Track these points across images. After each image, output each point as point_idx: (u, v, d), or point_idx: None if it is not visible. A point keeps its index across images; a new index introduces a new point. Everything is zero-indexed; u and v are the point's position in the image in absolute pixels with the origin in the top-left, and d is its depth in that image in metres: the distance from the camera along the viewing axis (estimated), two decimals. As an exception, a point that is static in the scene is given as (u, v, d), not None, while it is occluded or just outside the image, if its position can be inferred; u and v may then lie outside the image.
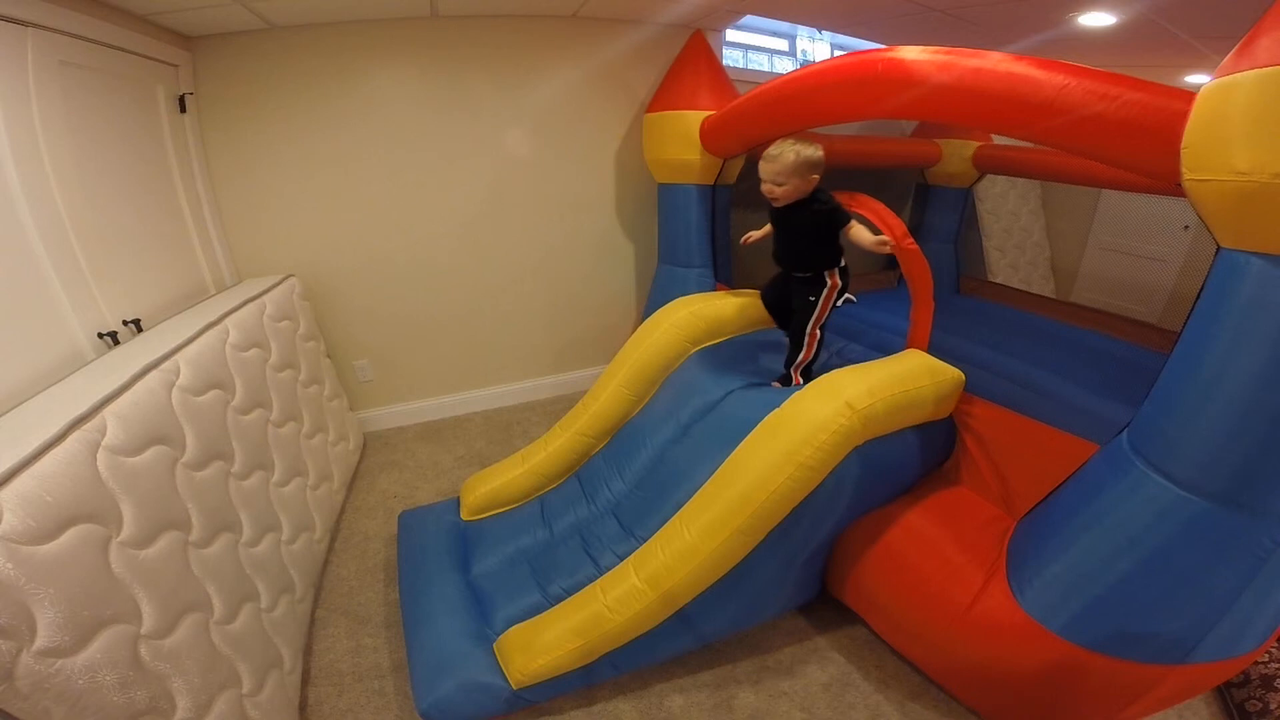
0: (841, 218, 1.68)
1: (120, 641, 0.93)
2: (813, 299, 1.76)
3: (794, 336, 1.79)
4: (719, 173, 2.52)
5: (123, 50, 1.76)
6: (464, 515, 1.95)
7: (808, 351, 1.77)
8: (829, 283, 1.76)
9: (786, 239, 1.81)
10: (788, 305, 1.88)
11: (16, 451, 0.91)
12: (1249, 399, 0.94)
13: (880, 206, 1.83)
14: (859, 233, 1.67)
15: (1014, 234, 3.96)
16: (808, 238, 1.74)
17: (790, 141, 1.63)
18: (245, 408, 1.60)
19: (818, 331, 1.75)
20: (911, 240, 1.71)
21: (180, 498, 1.21)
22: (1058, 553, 1.19)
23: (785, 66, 3.44)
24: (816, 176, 1.65)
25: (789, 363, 1.83)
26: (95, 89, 1.67)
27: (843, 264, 1.77)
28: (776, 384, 1.80)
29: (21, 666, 0.78)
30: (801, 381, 1.77)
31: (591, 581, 1.50)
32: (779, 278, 1.93)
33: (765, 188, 1.68)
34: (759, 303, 2.14)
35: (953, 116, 1.61)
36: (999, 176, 3.58)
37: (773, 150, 1.64)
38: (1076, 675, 1.16)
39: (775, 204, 1.71)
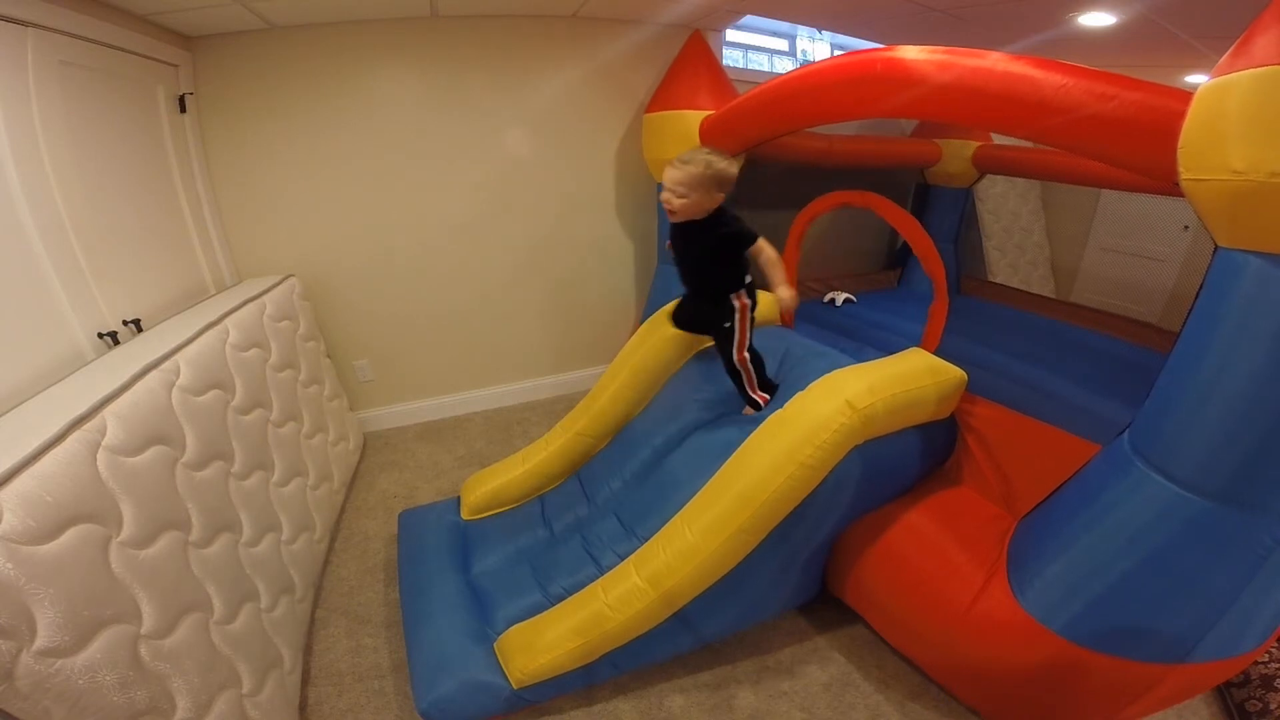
0: (747, 238, 1.56)
1: (120, 641, 0.93)
2: (728, 325, 1.65)
3: (728, 368, 1.71)
4: (718, 173, 2.52)
5: (123, 50, 1.76)
6: (464, 515, 1.95)
7: (748, 375, 1.69)
8: (737, 305, 1.64)
9: (684, 259, 1.67)
10: (703, 324, 1.81)
11: (16, 451, 0.91)
12: (1248, 397, 0.94)
13: (894, 207, 1.84)
14: (770, 256, 1.57)
15: (1014, 234, 3.95)
16: (707, 260, 1.61)
17: (706, 150, 1.51)
18: (245, 408, 1.60)
19: (746, 355, 1.67)
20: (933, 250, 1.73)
21: (180, 498, 1.21)
22: (1058, 552, 1.19)
23: (785, 66, 3.44)
24: (721, 196, 1.52)
25: (741, 392, 1.74)
26: (95, 89, 1.67)
27: (748, 281, 1.65)
28: (749, 410, 1.74)
29: (21, 666, 0.78)
30: (768, 397, 1.72)
31: (592, 581, 1.50)
32: (686, 299, 1.82)
33: (663, 196, 1.52)
34: (760, 301, 2.14)
35: (952, 116, 1.61)
36: (999, 176, 3.57)
37: (684, 155, 1.50)
38: (1077, 674, 1.16)
39: (672, 218, 1.55)
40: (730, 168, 1.51)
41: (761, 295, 2.15)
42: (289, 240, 2.42)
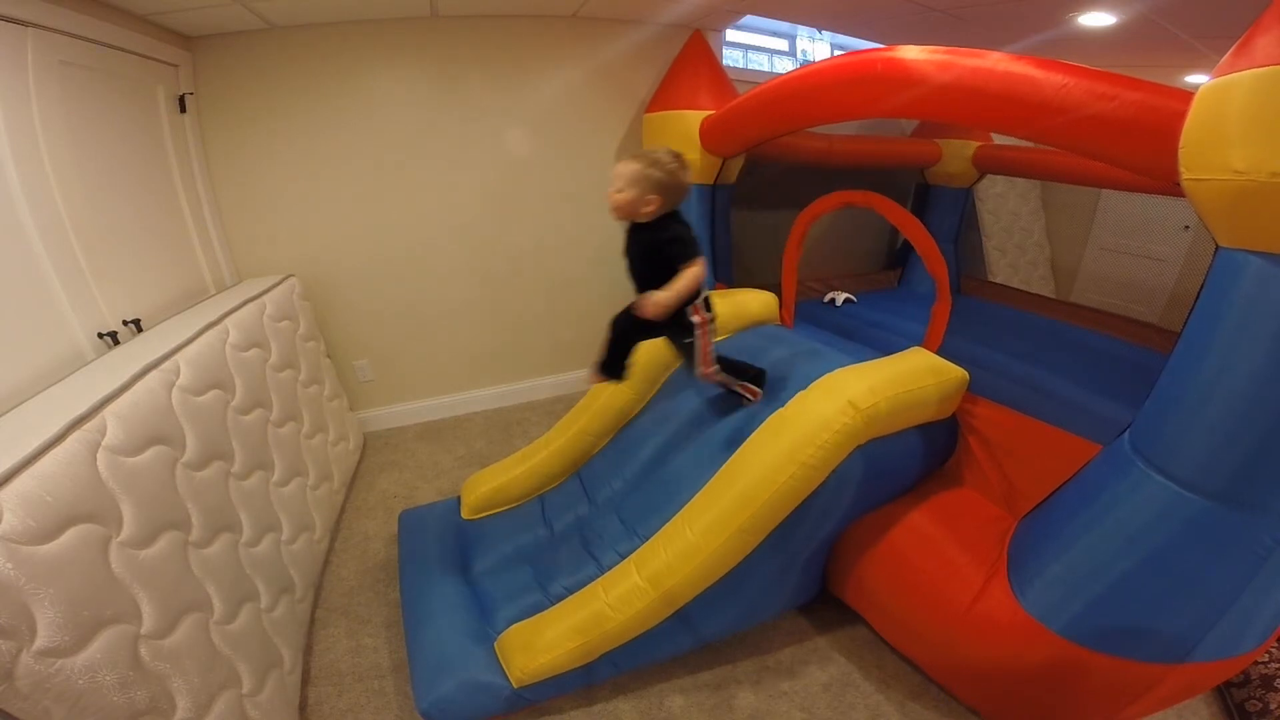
0: (676, 251, 1.42)
1: (120, 641, 0.93)
2: (688, 341, 1.55)
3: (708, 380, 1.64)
4: (719, 172, 2.52)
5: (123, 50, 1.76)
6: (465, 514, 1.96)
7: (738, 386, 1.65)
8: (696, 321, 1.51)
9: (630, 263, 1.56)
10: (640, 333, 1.62)
11: (16, 451, 0.91)
12: (1249, 397, 0.94)
13: (896, 207, 1.84)
14: (690, 273, 1.41)
15: (1014, 234, 3.95)
16: (645, 263, 1.51)
17: (664, 151, 1.43)
18: (245, 408, 1.60)
19: (713, 369, 1.58)
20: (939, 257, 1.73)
21: (180, 498, 1.21)
22: (1059, 552, 1.19)
23: (785, 66, 3.44)
24: (656, 199, 1.41)
25: (730, 393, 1.70)
26: (95, 89, 1.67)
27: (703, 296, 1.54)
28: (747, 402, 1.69)
29: (21, 666, 0.78)
30: (758, 389, 1.67)
31: (593, 580, 1.50)
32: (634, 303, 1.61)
33: (609, 190, 1.47)
34: (757, 299, 2.13)
35: (952, 116, 1.61)
36: (999, 176, 3.57)
37: (641, 150, 1.45)
38: (1077, 674, 1.16)
39: (611, 214, 1.49)
40: (677, 175, 1.42)
41: (759, 294, 2.16)
42: (289, 240, 2.42)
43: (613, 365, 1.67)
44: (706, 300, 1.56)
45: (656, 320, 1.49)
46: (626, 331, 1.64)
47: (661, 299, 1.40)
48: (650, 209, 1.43)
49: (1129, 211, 3.79)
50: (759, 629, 1.66)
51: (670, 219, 1.48)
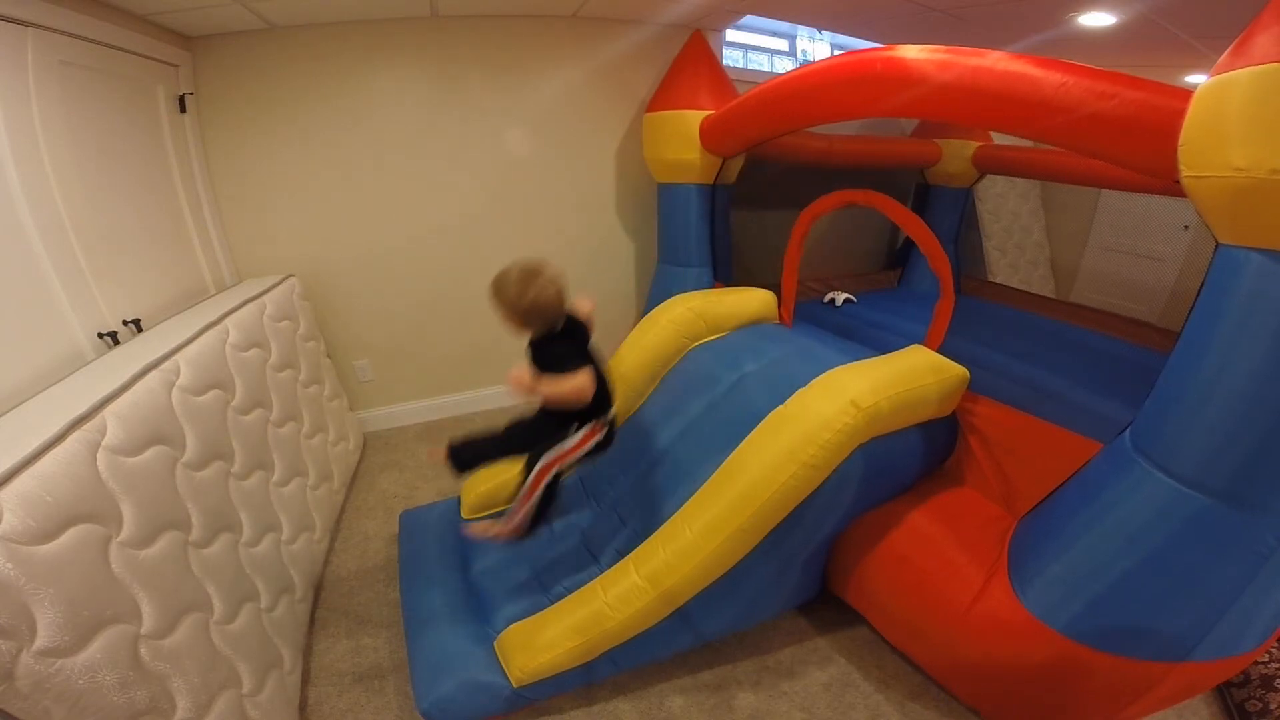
0: (555, 370, 1.30)
1: (120, 641, 0.93)
2: (573, 427, 1.44)
3: (529, 460, 1.48)
4: (718, 172, 2.52)
5: (123, 50, 1.76)
6: (465, 513, 1.96)
7: (528, 495, 1.48)
8: (590, 427, 1.44)
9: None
10: (530, 440, 1.49)
11: (16, 451, 0.91)
12: (1250, 394, 0.94)
13: (899, 206, 1.84)
14: (565, 387, 1.28)
15: (1014, 234, 3.95)
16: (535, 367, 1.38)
17: (515, 274, 1.31)
18: (245, 408, 1.60)
19: (546, 475, 1.45)
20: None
21: (180, 498, 1.21)
22: (1060, 551, 1.19)
23: (785, 66, 3.44)
24: (518, 320, 1.35)
25: (515, 502, 1.53)
26: (95, 89, 1.67)
27: (609, 415, 1.46)
28: (494, 530, 1.55)
29: (21, 666, 0.78)
30: (522, 534, 1.57)
31: (592, 579, 1.50)
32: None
33: None
34: (756, 298, 2.14)
35: (952, 115, 1.61)
36: (999, 176, 3.57)
37: (495, 276, 1.36)
38: (1078, 673, 1.16)
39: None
40: (524, 299, 1.30)
41: (758, 293, 2.16)
42: (289, 240, 2.42)
43: (467, 456, 1.47)
44: (612, 424, 1.49)
45: (552, 431, 1.42)
46: (518, 436, 1.49)
47: (534, 383, 1.29)
48: (522, 326, 1.37)
49: (1129, 211, 3.79)
50: (759, 629, 1.66)
51: (555, 336, 1.39)
